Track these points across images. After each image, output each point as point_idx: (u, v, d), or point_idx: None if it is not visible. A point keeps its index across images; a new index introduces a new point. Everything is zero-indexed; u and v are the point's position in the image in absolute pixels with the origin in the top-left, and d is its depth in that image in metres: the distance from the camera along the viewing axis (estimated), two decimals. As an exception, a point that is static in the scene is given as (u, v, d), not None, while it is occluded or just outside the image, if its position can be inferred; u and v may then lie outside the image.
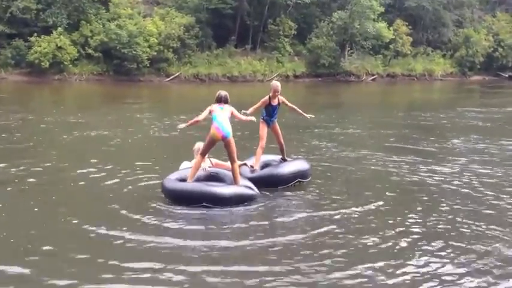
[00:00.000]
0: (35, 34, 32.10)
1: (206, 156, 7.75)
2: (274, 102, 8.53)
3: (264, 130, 8.51)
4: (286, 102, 8.71)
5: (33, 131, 13.98)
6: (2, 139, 12.60)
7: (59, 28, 32.45)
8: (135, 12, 35.38)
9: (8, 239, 6.05)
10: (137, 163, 9.80)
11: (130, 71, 33.58)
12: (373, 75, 41.89)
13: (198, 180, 7.60)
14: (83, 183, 8.49)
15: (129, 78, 33.31)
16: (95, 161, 9.97)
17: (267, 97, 8.49)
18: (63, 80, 32.33)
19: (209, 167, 7.91)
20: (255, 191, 7.59)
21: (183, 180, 7.52)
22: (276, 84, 8.58)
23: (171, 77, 35.26)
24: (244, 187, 7.55)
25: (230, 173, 7.70)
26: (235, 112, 7.75)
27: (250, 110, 8.37)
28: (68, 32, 33.06)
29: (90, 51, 33.20)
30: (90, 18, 34.11)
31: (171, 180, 7.48)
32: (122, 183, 8.44)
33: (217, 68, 36.90)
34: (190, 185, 7.40)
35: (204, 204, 7.10)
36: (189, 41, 35.93)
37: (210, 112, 7.59)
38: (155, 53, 34.16)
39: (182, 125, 7.98)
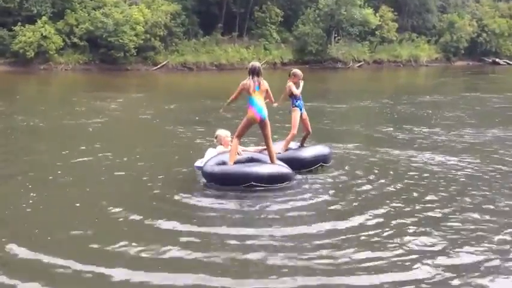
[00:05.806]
0: (19, 23, 31.60)
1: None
2: (299, 88, 8.42)
3: (297, 119, 8.34)
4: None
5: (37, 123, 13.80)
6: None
7: (44, 17, 32.00)
8: (120, 0, 34.95)
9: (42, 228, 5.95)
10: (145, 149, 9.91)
11: (117, 60, 33.23)
12: (359, 61, 42.08)
13: (239, 163, 7.68)
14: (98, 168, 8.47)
15: (116, 67, 32.95)
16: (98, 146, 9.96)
17: (290, 84, 8.33)
18: (48, 69, 31.90)
19: (242, 151, 7.99)
20: (291, 170, 7.74)
21: (223, 163, 7.58)
22: (299, 71, 8.59)
23: (159, 66, 35.02)
24: (283, 166, 7.71)
25: (263, 156, 7.86)
26: (269, 91, 7.78)
27: (280, 102, 8.32)
28: (52, 21, 32.58)
29: (75, 40, 32.81)
30: (75, 7, 33.64)
31: (214, 165, 7.53)
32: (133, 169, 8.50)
33: (205, 56, 36.75)
34: (239, 166, 7.54)
35: (252, 183, 7.27)
36: (175, 29, 35.69)
37: (243, 89, 7.58)
38: (142, 42, 33.85)
39: (223, 108, 8.07)
